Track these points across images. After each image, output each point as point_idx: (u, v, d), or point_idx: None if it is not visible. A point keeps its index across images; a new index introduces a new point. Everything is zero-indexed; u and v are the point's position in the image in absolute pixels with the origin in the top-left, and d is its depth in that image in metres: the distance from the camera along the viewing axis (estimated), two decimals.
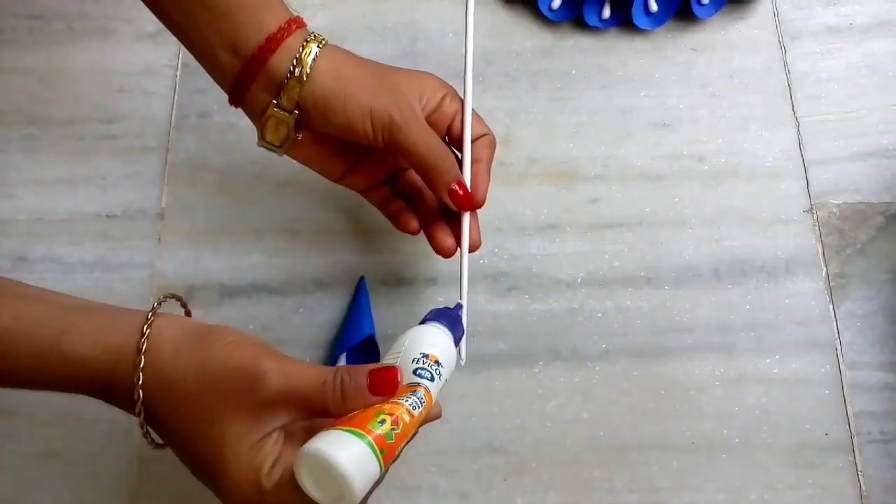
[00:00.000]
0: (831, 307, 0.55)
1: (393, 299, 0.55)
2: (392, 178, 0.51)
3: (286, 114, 0.44)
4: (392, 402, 0.38)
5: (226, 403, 0.38)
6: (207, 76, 0.60)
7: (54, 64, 0.61)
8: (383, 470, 0.37)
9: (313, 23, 0.46)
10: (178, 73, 0.61)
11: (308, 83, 0.43)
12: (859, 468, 0.52)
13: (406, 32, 0.62)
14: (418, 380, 0.40)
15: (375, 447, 0.36)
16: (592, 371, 0.54)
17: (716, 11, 0.61)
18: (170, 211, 0.58)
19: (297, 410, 0.39)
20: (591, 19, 0.61)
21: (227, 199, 0.58)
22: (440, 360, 0.42)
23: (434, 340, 0.42)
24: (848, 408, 0.53)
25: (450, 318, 0.45)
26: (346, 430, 0.36)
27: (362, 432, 0.36)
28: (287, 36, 0.43)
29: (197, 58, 0.46)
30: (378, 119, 0.44)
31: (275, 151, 0.47)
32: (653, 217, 0.57)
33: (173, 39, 0.61)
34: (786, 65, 0.61)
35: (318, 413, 0.39)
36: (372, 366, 0.39)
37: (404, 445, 0.39)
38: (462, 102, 0.48)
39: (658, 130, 0.59)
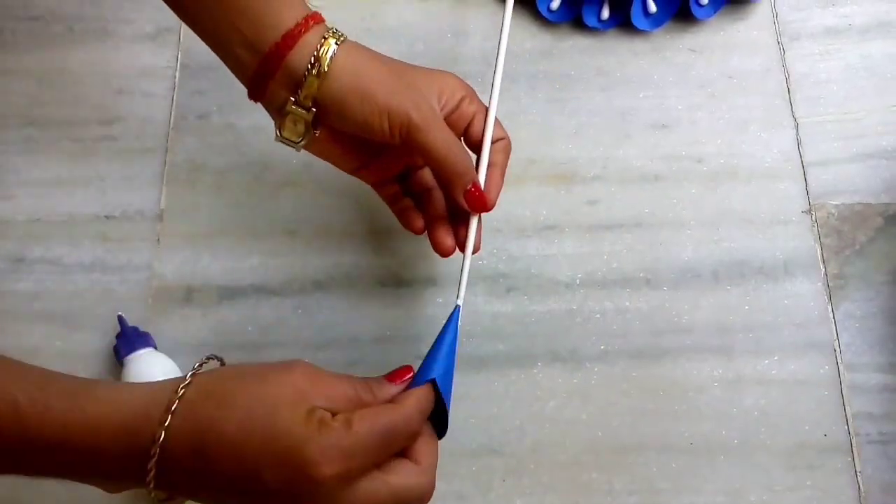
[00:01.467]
0: (830, 308, 0.55)
1: (391, 301, 0.55)
2: (403, 175, 0.51)
3: (304, 111, 0.44)
4: None
5: (272, 384, 0.38)
6: (207, 78, 0.60)
7: (53, 65, 0.61)
8: None
9: None
10: (178, 75, 0.61)
11: (326, 80, 0.43)
12: (858, 469, 0.52)
13: (405, 34, 0.62)
14: None
15: None
16: (591, 372, 0.54)
17: (715, 12, 0.61)
18: (169, 212, 0.58)
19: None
20: (589, 20, 0.61)
21: (226, 200, 0.58)
22: None
23: None
24: (847, 409, 0.53)
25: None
26: None
27: None
28: (305, 32, 0.43)
29: (219, 55, 0.46)
30: (396, 118, 0.44)
31: (293, 147, 0.47)
32: (652, 218, 0.57)
33: (173, 40, 0.61)
34: (784, 66, 0.61)
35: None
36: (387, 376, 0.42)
37: None
38: (480, 105, 0.48)
39: (657, 131, 0.59)
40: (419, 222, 0.50)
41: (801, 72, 0.61)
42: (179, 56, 0.61)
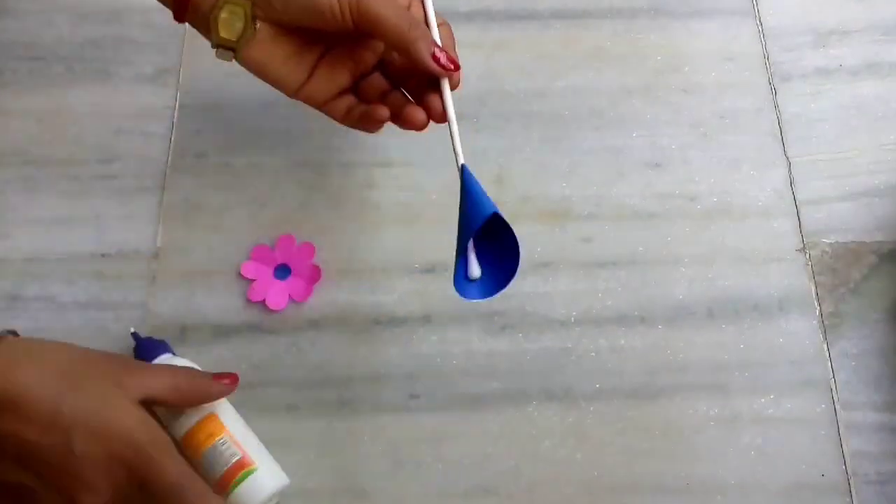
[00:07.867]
0: (825, 346, 0.55)
1: (385, 339, 0.55)
2: (354, 89, 0.50)
3: (241, 1, 0.43)
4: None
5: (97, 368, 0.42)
6: (205, 118, 0.61)
7: (53, 105, 0.62)
8: None
9: None
10: (176, 115, 0.61)
11: None
12: None
13: None
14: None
15: None
16: (586, 411, 0.54)
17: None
18: (165, 250, 0.58)
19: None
20: None
21: (222, 239, 0.58)
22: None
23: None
24: (844, 448, 0.52)
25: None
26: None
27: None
28: None
29: None
30: None
31: (231, 52, 0.45)
32: (646, 256, 0.57)
33: (172, 81, 0.62)
34: (776, 106, 0.62)
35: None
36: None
37: None
38: None
39: (650, 170, 0.60)
40: (384, 110, 0.48)
41: (793, 111, 0.62)
42: (178, 96, 0.62)
